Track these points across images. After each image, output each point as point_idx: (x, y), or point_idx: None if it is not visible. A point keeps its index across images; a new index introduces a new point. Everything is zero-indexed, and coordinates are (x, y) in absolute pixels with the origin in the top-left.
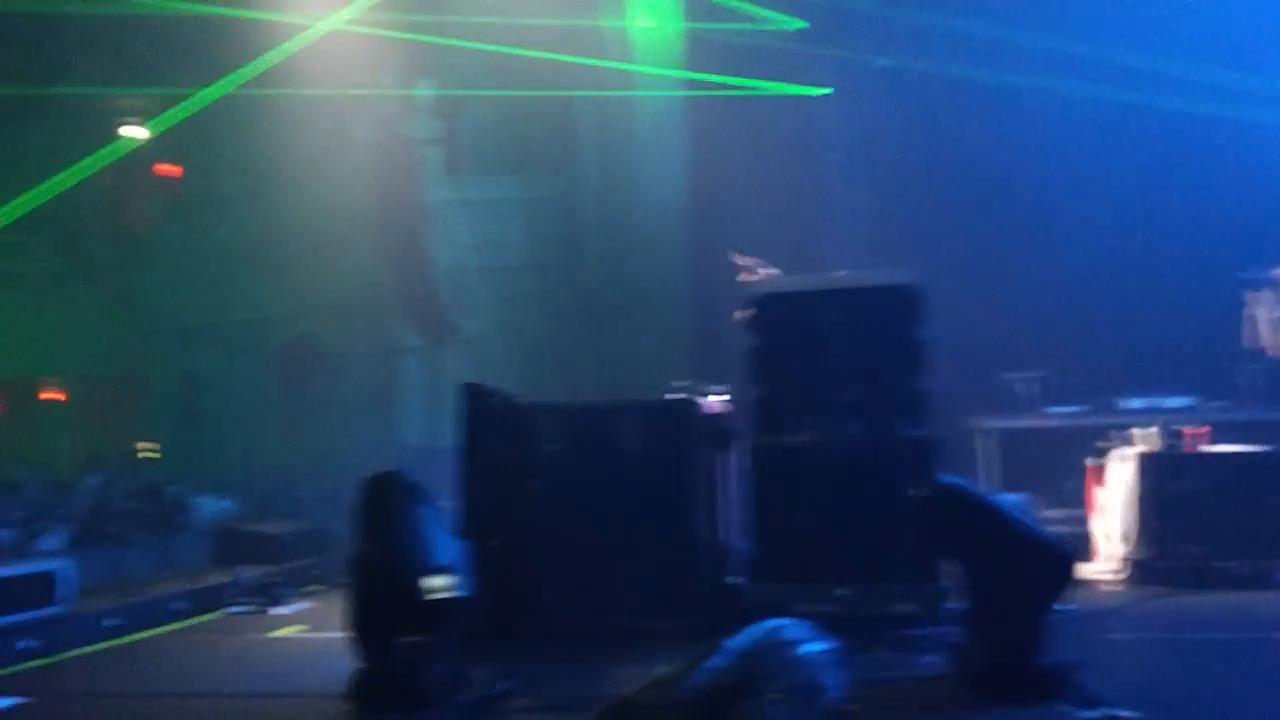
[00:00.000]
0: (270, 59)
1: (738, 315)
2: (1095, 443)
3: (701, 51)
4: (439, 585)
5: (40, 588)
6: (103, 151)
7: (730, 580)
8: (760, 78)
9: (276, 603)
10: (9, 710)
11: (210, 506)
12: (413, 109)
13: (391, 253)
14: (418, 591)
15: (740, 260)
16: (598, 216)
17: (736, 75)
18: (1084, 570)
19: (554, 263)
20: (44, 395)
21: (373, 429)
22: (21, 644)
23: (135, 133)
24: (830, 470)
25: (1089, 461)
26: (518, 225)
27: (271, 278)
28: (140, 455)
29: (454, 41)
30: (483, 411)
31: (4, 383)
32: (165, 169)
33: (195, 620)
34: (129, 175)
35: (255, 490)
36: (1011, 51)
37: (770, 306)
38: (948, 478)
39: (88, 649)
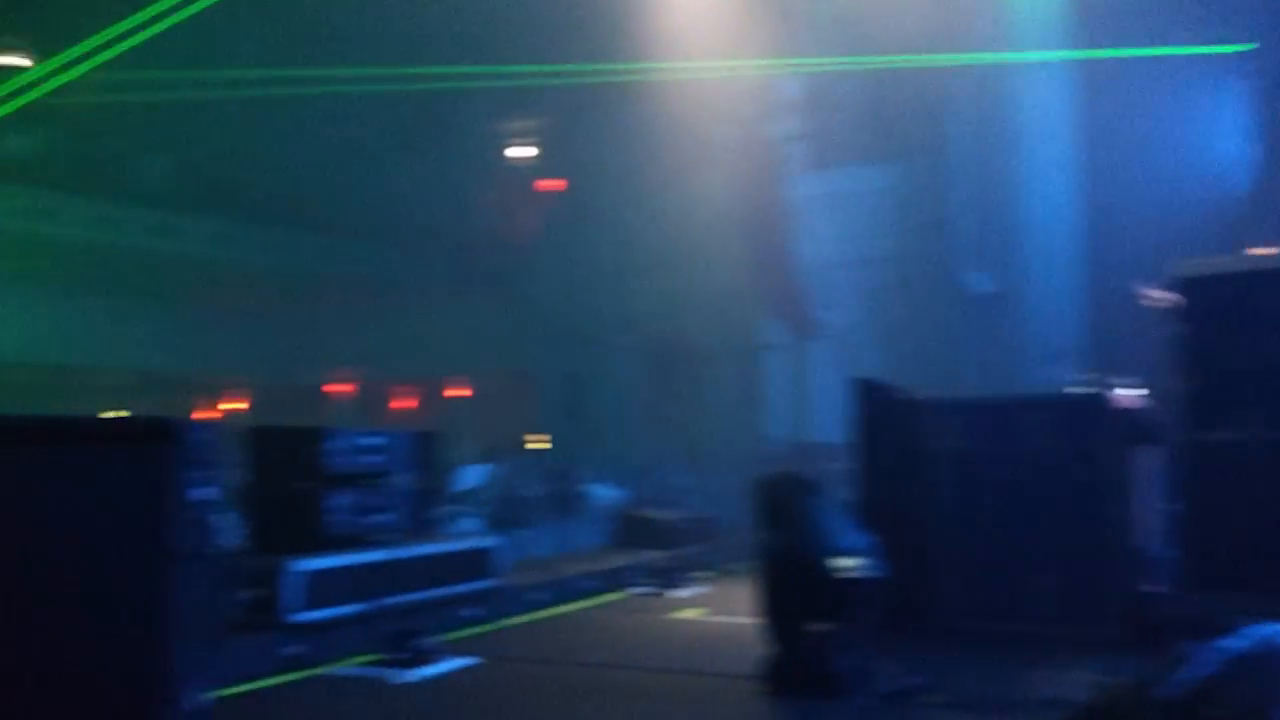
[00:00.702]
0: (640, 73)
1: (1151, 298)
2: None
3: (1092, 15)
4: (849, 566)
5: (479, 562)
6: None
7: (1146, 588)
8: (1162, 39)
9: (674, 586)
10: (465, 669)
11: (603, 494)
12: (777, 106)
13: (756, 251)
14: (829, 576)
15: (1153, 295)
16: (971, 201)
17: (1133, 40)
18: None
19: (922, 252)
20: (451, 392)
21: (739, 424)
22: (467, 612)
23: (522, 152)
24: (1275, 470)
25: None
26: (884, 215)
27: (644, 279)
28: (532, 446)
29: (817, 61)
30: (877, 406)
31: (419, 381)
32: (549, 184)
33: (604, 599)
34: (519, 190)
35: (632, 479)
36: None
37: (1200, 290)
38: None
39: (518, 619)
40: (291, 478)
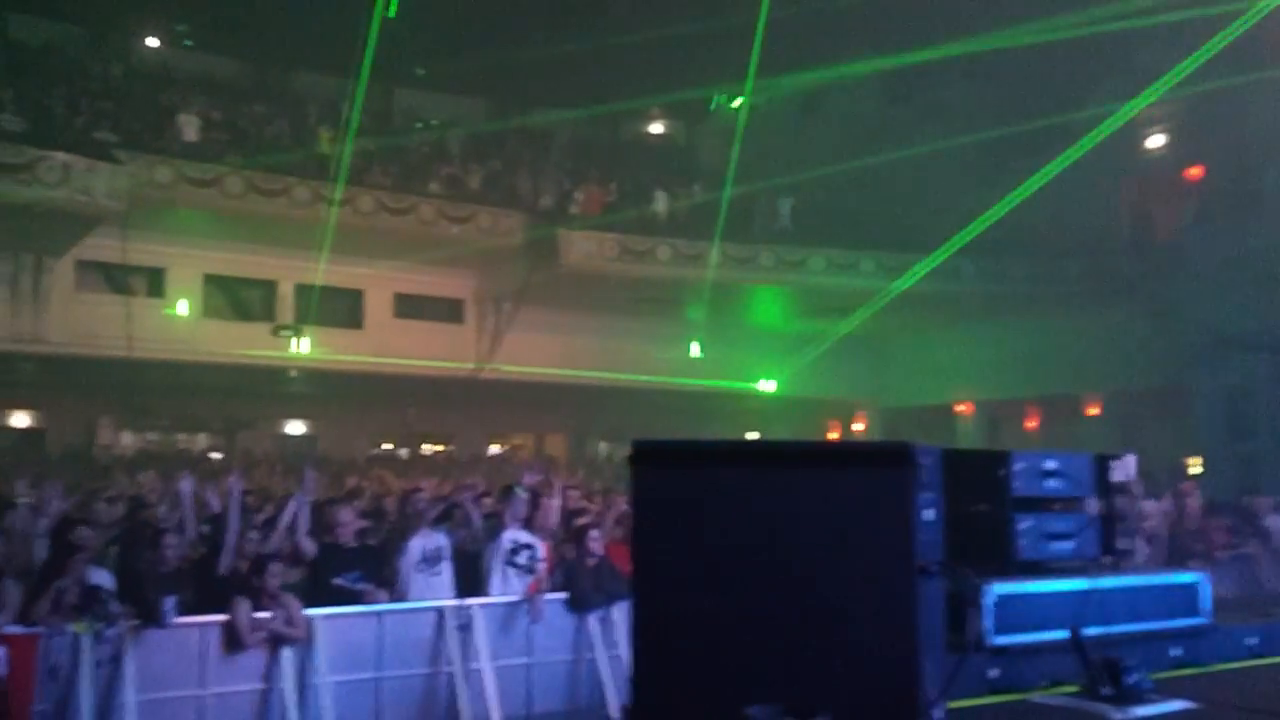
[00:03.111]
0: None
1: None
2: None
3: None
4: None
5: (1183, 598)
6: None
7: None
8: None
9: None
10: (1184, 712)
11: None
12: None
13: None
14: None
15: None
16: None
17: None
18: None
19: None
20: (1088, 411)
21: None
22: (1174, 651)
23: (1156, 142)
24: None
25: None
26: None
27: None
28: (1192, 470)
29: None
30: None
31: (1045, 399)
32: (1190, 172)
33: None
34: (1152, 185)
35: None
36: None
37: None
38: None
39: (1231, 664)
40: (978, 501)
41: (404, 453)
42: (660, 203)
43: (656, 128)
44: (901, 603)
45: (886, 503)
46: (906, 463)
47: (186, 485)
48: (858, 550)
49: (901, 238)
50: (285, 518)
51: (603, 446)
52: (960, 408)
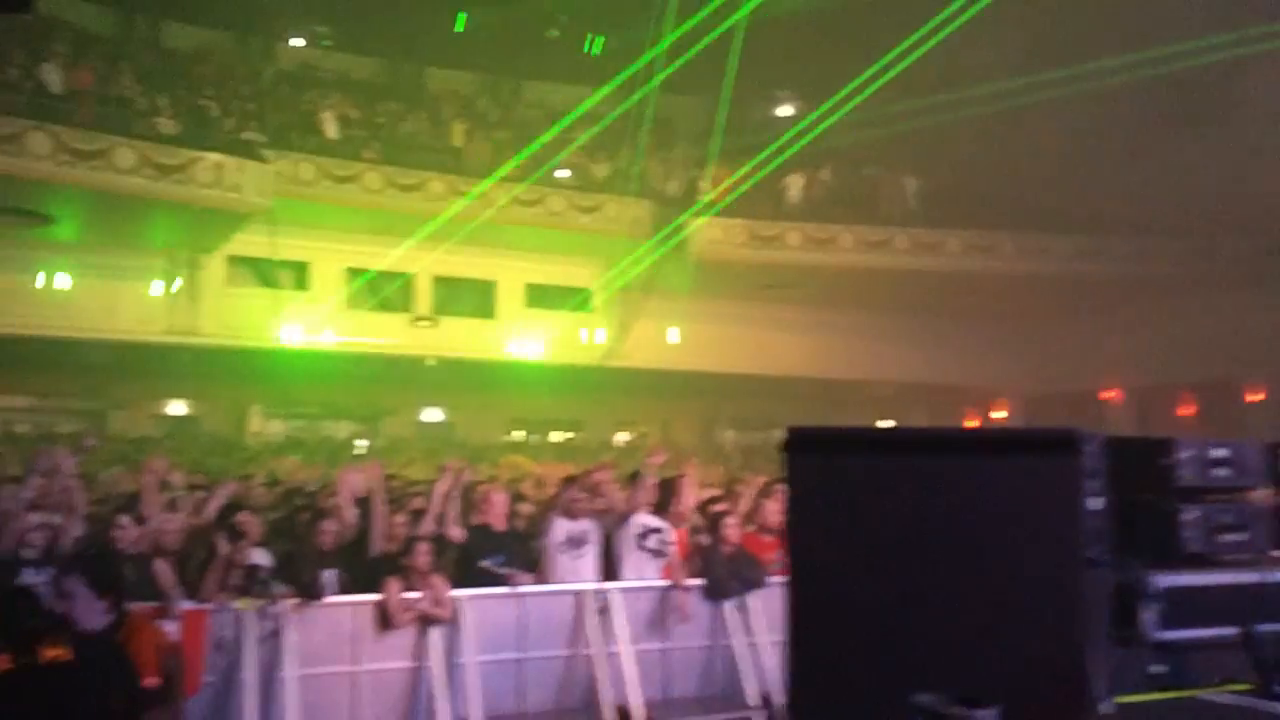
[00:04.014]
0: None
1: None
2: None
3: None
4: None
5: None
6: None
7: None
8: None
9: None
10: None
11: None
12: None
13: None
14: None
15: None
16: None
17: None
18: None
19: None
20: (1249, 397)
21: None
22: None
23: None
24: None
25: None
26: None
27: None
28: None
29: None
30: None
31: (1201, 385)
32: None
33: None
34: None
35: None
36: None
37: None
38: None
39: None
40: (1142, 490)
41: (534, 439)
42: (793, 187)
43: (784, 110)
44: (1068, 594)
45: (1051, 491)
46: (1071, 450)
47: (345, 475)
48: (1021, 539)
49: (1042, 217)
50: (435, 502)
51: (729, 434)
52: (1108, 394)
